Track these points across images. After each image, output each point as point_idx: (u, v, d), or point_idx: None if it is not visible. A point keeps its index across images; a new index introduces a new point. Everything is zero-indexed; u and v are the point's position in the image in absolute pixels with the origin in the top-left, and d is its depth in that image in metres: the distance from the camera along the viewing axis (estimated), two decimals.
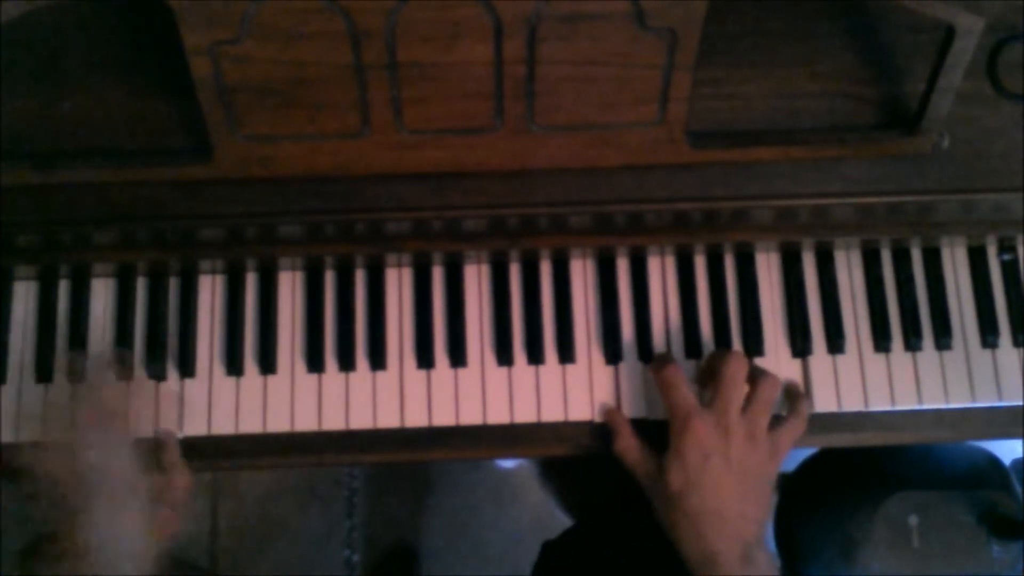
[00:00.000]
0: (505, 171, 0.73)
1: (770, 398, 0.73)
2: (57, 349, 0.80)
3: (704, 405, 0.72)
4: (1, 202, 0.72)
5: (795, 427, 0.74)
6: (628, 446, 0.75)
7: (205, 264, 0.81)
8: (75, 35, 0.75)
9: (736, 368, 0.72)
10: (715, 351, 0.79)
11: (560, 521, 1.50)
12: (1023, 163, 0.74)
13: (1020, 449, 1.11)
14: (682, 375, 0.73)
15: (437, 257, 0.81)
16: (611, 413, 0.79)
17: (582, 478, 1.09)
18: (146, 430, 0.77)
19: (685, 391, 0.72)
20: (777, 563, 0.71)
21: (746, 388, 0.73)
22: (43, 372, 0.80)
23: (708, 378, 0.76)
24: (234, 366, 0.80)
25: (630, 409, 0.80)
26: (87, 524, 0.70)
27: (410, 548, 1.61)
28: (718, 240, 0.80)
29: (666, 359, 0.77)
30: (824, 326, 0.82)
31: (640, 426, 0.79)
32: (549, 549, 0.98)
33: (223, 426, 0.79)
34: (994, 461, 1.04)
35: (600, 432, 0.79)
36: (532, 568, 0.97)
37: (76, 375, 0.76)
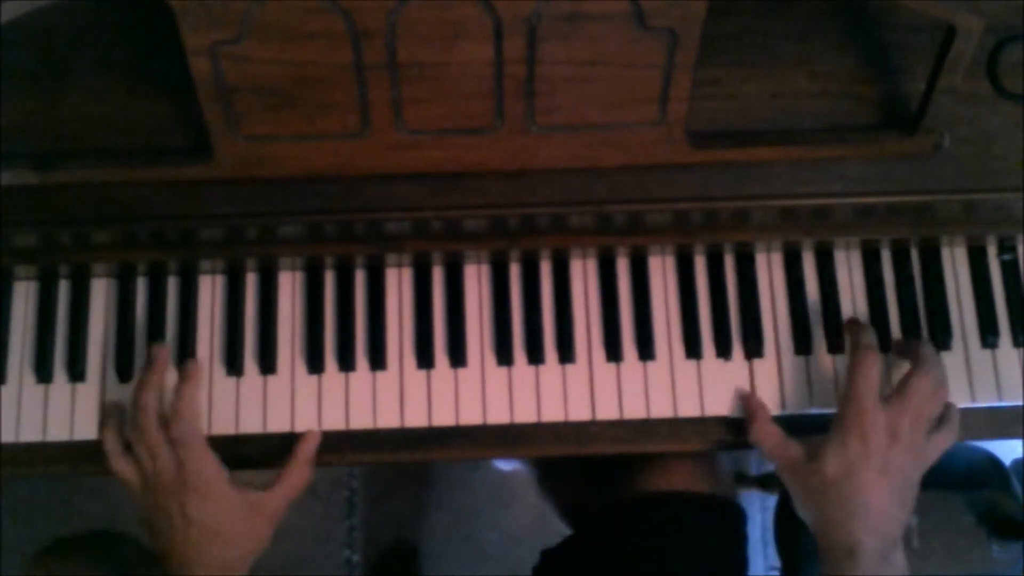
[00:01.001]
0: (505, 171, 0.73)
1: (935, 414, 0.73)
2: (57, 349, 0.80)
3: (883, 400, 0.71)
4: (1, 202, 0.72)
5: (947, 438, 0.74)
6: (768, 431, 0.76)
7: (205, 264, 0.81)
8: (75, 35, 0.75)
9: (926, 385, 0.71)
10: (918, 344, 0.76)
11: (560, 524, 1.50)
12: (1023, 163, 0.74)
13: (1020, 449, 1.11)
14: (879, 364, 0.72)
15: (437, 257, 0.81)
16: (748, 399, 0.79)
17: (579, 488, 1.09)
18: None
19: (874, 382, 0.71)
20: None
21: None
22: (43, 372, 0.80)
23: (899, 353, 0.78)
24: (234, 366, 0.80)
25: (631, 409, 0.80)
26: (185, 506, 0.72)
27: (410, 548, 1.61)
28: (718, 240, 0.80)
29: (868, 339, 0.74)
30: (824, 326, 0.82)
31: (645, 426, 0.79)
32: (548, 557, 0.98)
33: (223, 426, 0.79)
34: (994, 461, 1.04)
35: (596, 431, 0.79)
36: (531, 574, 0.97)
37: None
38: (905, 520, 0.71)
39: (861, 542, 0.68)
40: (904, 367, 0.76)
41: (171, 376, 0.78)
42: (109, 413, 0.78)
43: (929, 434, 0.72)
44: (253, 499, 0.74)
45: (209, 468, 0.73)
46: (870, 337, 0.75)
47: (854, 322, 0.80)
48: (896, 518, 0.70)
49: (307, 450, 0.78)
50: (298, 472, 0.77)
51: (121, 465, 0.75)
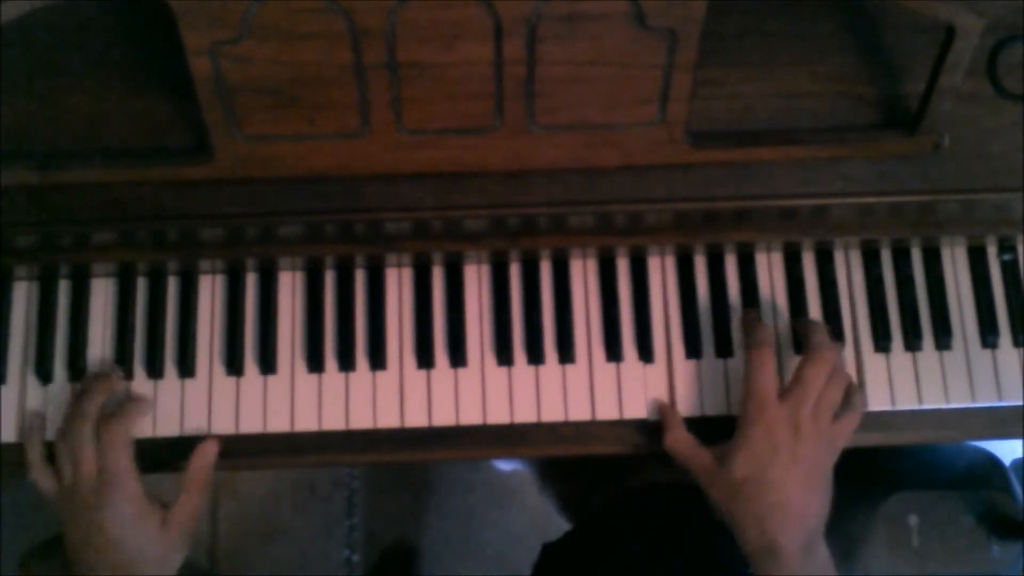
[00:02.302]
0: (505, 171, 0.73)
1: (836, 399, 0.73)
2: (57, 349, 0.80)
3: (779, 395, 0.72)
4: (1, 202, 0.72)
5: (851, 421, 0.74)
6: (680, 439, 0.76)
7: (205, 264, 0.81)
8: (75, 35, 0.75)
9: (820, 372, 0.72)
10: (809, 328, 0.76)
11: (560, 522, 1.50)
12: (1023, 163, 0.74)
13: (1020, 449, 1.11)
14: (773, 360, 0.73)
15: (437, 257, 0.81)
16: (664, 408, 0.79)
17: (580, 482, 1.09)
18: (145, 430, 0.78)
19: (770, 378, 0.72)
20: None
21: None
22: (43, 372, 0.80)
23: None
24: (234, 366, 0.80)
25: (631, 410, 0.80)
26: (102, 525, 0.71)
27: (410, 548, 1.61)
28: (718, 240, 0.80)
29: (762, 336, 0.74)
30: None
31: (641, 426, 0.79)
32: (549, 551, 0.98)
33: (223, 426, 0.79)
34: (994, 461, 1.04)
35: (596, 432, 0.79)
36: (532, 570, 0.97)
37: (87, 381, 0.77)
38: (823, 510, 0.71)
39: (780, 540, 0.69)
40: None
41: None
42: (32, 422, 0.78)
43: (834, 419, 0.73)
44: (164, 515, 0.74)
45: (129, 486, 0.72)
46: (764, 333, 0.75)
47: (748, 316, 0.79)
48: (813, 510, 0.71)
49: (200, 463, 0.76)
50: (195, 485, 0.76)
51: (41, 474, 0.75)
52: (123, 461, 0.72)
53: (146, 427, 0.79)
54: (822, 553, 0.70)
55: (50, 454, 0.75)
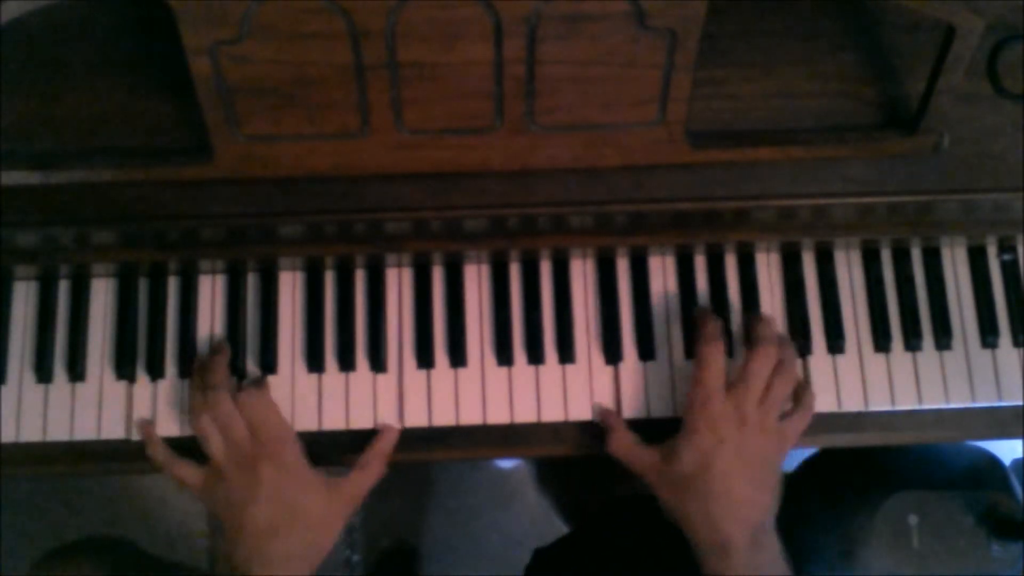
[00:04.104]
0: (505, 171, 0.73)
1: (783, 394, 0.73)
2: (57, 349, 0.80)
3: (726, 389, 0.72)
4: (1, 202, 0.72)
5: (802, 419, 0.75)
6: (622, 442, 0.76)
7: (205, 264, 0.81)
8: (75, 35, 0.75)
9: (764, 364, 0.73)
10: (755, 324, 0.77)
11: (560, 524, 1.50)
12: (1023, 163, 0.74)
13: (1020, 449, 1.11)
14: (722, 355, 0.73)
15: (437, 257, 0.81)
16: (604, 412, 0.79)
17: (578, 484, 1.09)
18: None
19: (717, 372, 0.72)
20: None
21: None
22: (43, 372, 0.80)
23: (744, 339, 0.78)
24: (234, 366, 0.80)
25: (631, 410, 0.80)
26: (262, 477, 0.71)
27: (410, 548, 1.61)
28: (718, 240, 0.80)
29: (712, 332, 0.75)
30: (824, 326, 0.82)
31: (641, 426, 0.79)
32: (541, 556, 0.97)
33: None
34: (994, 461, 1.04)
35: (596, 432, 0.79)
36: (523, 573, 0.97)
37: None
38: (771, 504, 0.72)
39: (729, 534, 0.69)
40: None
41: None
42: (147, 431, 0.78)
43: (784, 416, 0.73)
44: (331, 481, 0.74)
45: (287, 438, 0.73)
46: (714, 327, 0.75)
47: (701, 311, 0.80)
48: (759, 503, 0.71)
49: (385, 446, 0.77)
50: (376, 464, 0.77)
51: (182, 468, 0.75)
52: (273, 416, 0.73)
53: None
54: (771, 547, 0.71)
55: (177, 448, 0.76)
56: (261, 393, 0.74)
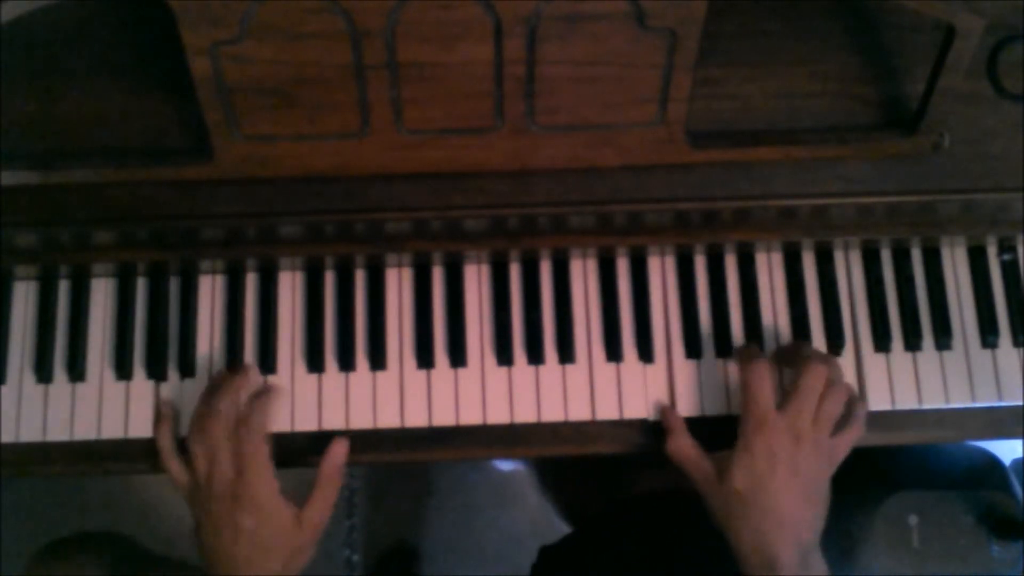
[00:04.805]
0: (505, 171, 0.73)
1: (836, 410, 0.73)
2: (57, 349, 0.80)
3: (777, 407, 0.72)
4: (1, 202, 0.72)
5: (852, 435, 0.74)
6: (682, 445, 0.75)
7: (205, 264, 0.81)
8: (75, 35, 0.75)
9: (816, 380, 0.72)
10: (798, 347, 0.77)
11: (560, 524, 1.50)
12: (1023, 163, 0.74)
13: (1020, 449, 1.11)
14: (770, 373, 0.73)
15: (437, 257, 0.81)
16: (666, 412, 0.78)
17: (579, 486, 1.09)
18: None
19: (768, 391, 0.72)
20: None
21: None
22: (43, 372, 0.80)
23: (783, 363, 0.77)
24: (234, 367, 0.80)
25: (631, 410, 0.80)
26: (238, 520, 0.71)
27: (410, 548, 1.61)
28: (718, 240, 0.80)
29: (755, 352, 0.75)
30: (824, 326, 0.82)
31: (641, 426, 0.79)
32: (547, 554, 0.97)
33: None
34: (994, 461, 1.04)
35: (596, 432, 0.79)
36: (530, 572, 0.97)
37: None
38: (820, 524, 0.71)
39: (779, 555, 0.69)
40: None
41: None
42: (165, 412, 0.78)
43: (835, 432, 0.73)
44: (298, 513, 0.74)
45: (266, 485, 0.72)
46: (754, 348, 0.77)
47: (740, 347, 0.80)
48: (810, 523, 0.71)
49: (335, 461, 0.76)
50: (334, 482, 0.76)
51: (174, 465, 0.75)
52: (259, 458, 0.72)
53: (146, 427, 0.79)
54: (817, 561, 0.70)
55: (181, 446, 0.76)
56: (255, 427, 0.73)
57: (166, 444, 0.76)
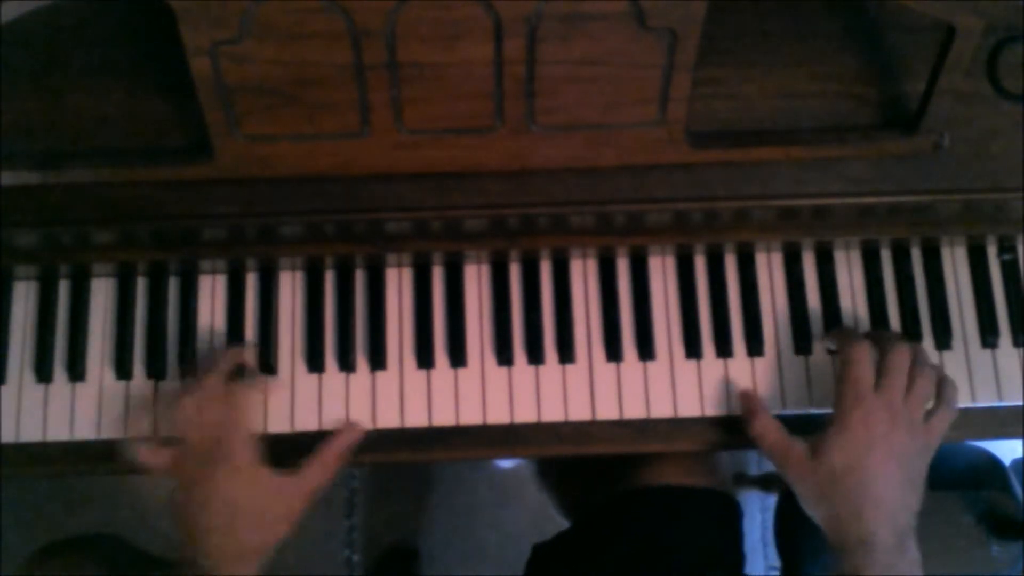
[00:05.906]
0: (505, 171, 0.73)
1: (926, 389, 0.72)
2: (57, 349, 0.80)
3: (873, 388, 0.71)
4: (1, 202, 0.72)
5: (946, 417, 0.73)
6: (768, 428, 0.74)
7: (205, 264, 0.81)
8: (75, 35, 0.75)
9: (902, 358, 0.72)
10: (880, 332, 0.78)
11: (560, 522, 1.50)
12: (1023, 163, 0.74)
13: (1020, 449, 1.11)
14: (869, 354, 0.72)
15: (437, 257, 0.81)
16: (747, 396, 0.78)
17: (578, 484, 1.09)
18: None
19: (869, 371, 0.71)
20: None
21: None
22: (43, 372, 0.80)
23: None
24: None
25: (631, 409, 0.80)
26: (218, 482, 0.71)
27: (410, 548, 1.61)
28: (718, 240, 0.80)
29: (855, 333, 0.75)
30: (824, 326, 0.82)
31: (645, 426, 0.79)
32: (541, 551, 0.97)
33: None
34: (994, 461, 1.04)
35: (595, 432, 0.79)
36: (524, 569, 0.97)
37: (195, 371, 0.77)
38: (917, 507, 0.70)
39: (876, 533, 0.67)
40: None
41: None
42: (136, 411, 0.79)
43: (927, 415, 0.72)
44: (284, 481, 0.73)
45: (247, 450, 0.72)
46: (856, 331, 0.76)
47: (836, 330, 0.81)
48: (907, 506, 0.70)
49: (342, 444, 0.77)
50: (329, 461, 0.76)
51: (149, 454, 0.74)
52: (242, 423, 0.73)
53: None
54: (912, 552, 0.69)
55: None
56: (248, 392, 0.74)
57: (139, 430, 0.77)
